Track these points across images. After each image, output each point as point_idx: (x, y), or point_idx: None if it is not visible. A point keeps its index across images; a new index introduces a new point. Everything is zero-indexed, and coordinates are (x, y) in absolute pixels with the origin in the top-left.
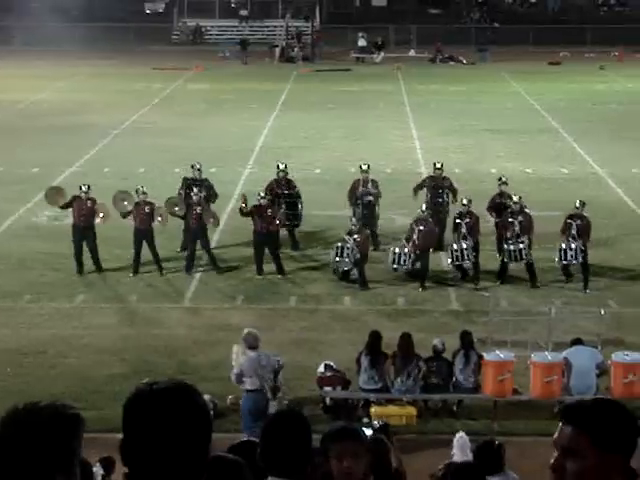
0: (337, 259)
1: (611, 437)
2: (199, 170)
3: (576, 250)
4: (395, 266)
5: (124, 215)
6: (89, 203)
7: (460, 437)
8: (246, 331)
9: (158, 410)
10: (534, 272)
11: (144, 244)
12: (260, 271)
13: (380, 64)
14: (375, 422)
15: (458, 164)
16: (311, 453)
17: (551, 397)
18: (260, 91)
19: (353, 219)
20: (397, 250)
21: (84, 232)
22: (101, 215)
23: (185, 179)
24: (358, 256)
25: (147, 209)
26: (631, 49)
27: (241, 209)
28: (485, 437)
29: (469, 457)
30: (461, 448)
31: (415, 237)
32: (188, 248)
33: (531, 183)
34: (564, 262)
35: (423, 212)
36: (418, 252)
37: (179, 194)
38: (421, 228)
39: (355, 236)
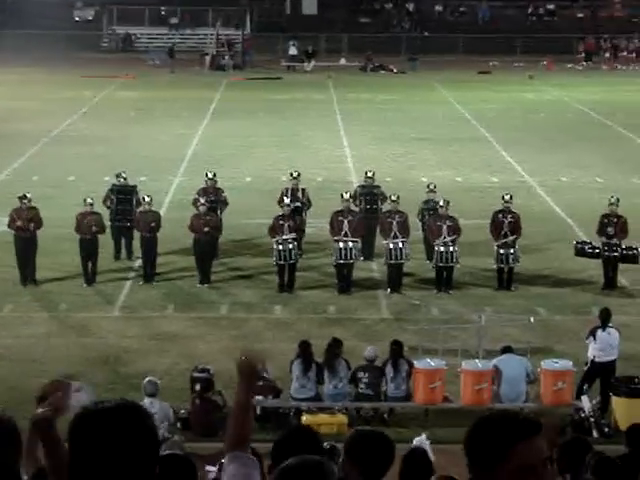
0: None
1: None
2: (124, 178)
3: (514, 254)
4: (393, 262)
5: None
6: (28, 212)
7: (419, 439)
8: (147, 379)
9: (105, 430)
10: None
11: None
12: (205, 279)
13: (311, 72)
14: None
15: (389, 172)
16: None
17: (481, 405)
18: (191, 99)
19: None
20: (391, 245)
21: (26, 242)
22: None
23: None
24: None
25: (92, 219)
26: (559, 58)
27: None
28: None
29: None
30: None
31: (396, 229)
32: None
33: (461, 191)
34: (501, 265)
35: (394, 202)
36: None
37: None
38: (398, 220)
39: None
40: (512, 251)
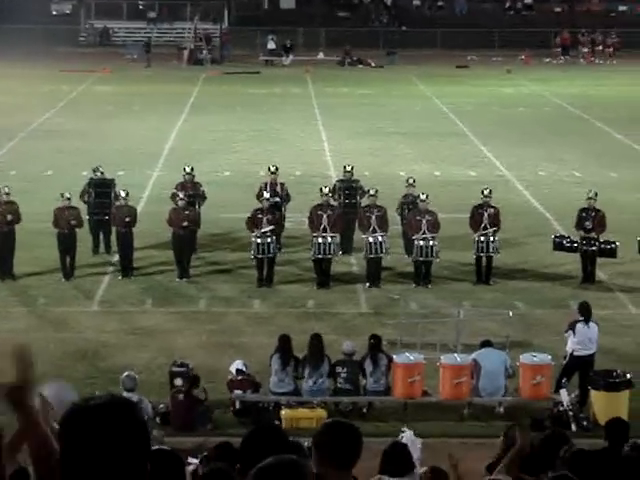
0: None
1: None
2: (102, 172)
3: (494, 243)
4: (372, 256)
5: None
6: (6, 207)
7: (408, 435)
8: (125, 374)
9: (97, 426)
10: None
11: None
12: (184, 273)
13: (289, 67)
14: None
15: (367, 167)
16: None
17: (460, 399)
18: (168, 93)
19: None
20: (371, 239)
21: (5, 236)
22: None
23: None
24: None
25: (70, 213)
26: (537, 53)
27: None
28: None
29: (419, 455)
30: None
31: (375, 223)
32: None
33: (439, 185)
34: (480, 254)
35: (372, 196)
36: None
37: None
38: (377, 214)
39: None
40: (492, 239)
